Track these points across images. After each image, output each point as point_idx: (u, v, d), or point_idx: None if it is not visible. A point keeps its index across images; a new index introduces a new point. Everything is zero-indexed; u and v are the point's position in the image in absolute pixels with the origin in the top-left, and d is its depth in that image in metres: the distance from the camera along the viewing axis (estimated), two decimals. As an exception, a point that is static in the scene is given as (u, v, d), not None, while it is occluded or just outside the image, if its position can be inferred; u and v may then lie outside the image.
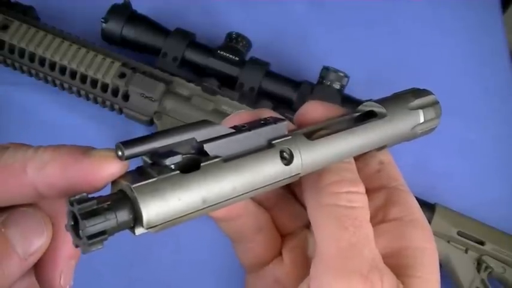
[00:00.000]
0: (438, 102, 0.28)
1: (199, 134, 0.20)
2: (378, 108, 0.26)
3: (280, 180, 0.21)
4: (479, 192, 0.62)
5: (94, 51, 0.57)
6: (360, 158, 0.26)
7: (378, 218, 0.25)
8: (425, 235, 0.25)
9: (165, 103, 0.56)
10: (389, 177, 0.26)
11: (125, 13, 0.58)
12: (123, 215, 0.18)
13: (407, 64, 0.68)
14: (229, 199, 0.20)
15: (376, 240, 0.23)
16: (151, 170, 0.19)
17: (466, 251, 0.54)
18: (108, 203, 0.18)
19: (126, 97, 0.57)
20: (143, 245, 0.55)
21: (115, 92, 0.56)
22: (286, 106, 0.56)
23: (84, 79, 0.57)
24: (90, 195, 0.18)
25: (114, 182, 0.19)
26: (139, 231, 0.18)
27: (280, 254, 0.27)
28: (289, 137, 0.22)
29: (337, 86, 0.55)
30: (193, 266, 0.56)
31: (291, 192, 0.28)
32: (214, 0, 0.68)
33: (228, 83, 0.57)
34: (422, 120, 0.26)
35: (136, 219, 0.18)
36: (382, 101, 0.26)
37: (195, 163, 0.19)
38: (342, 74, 0.55)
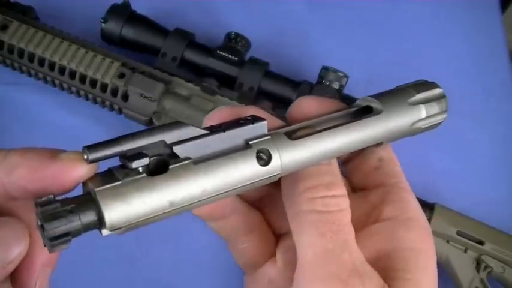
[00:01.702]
0: (444, 96, 0.27)
1: (170, 136, 0.19)
2: (374, 104, 0.25)
3: (256, 181, 0.21)
4: (478, 192, 0.62)
5: (93, 51, 0.57)
6: (359, 155, 0.26)
7: (372, 217, 0.25)
8: (421, 235, 0.24)
9: (164, 103, 0.56)
10: (388, 175, 0.26)
11: (124, 13, 0.58)
12: (88, 217, 0.18)
13: (407, 64, 0.68)
14: (199, 201, 0.19)
15: (368, 240, 0.23)
16: (118, 173, 0.19)
17: (465, 251, 0.54)
18: (73, 205, 0.18)
19: (125, 97, 0.57)
20: (143, 245, 0.55)
21: (114, 92, 0.57)
22: (286, 106, 0.56)
23: (84, 79, 0.57)
24: (58, 197, 0.18)
25: (84, 184, 0.19)
26: (104, 232, 0.18)
27: (274, 254, 0.27)
28: (269, 137, 0.21)
29: (336, 86, 0.55)
30: (193, 266, 0.56)
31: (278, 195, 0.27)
32: (213, 0, 0.68)
33: (227, 83, 0.57)
34: (424, 115, 0.26)
35: (101, 221, 0.18)
36: (380, 96, 0.26)
37: (163, 166, 0.19)
38: (341, 74, 0.55)
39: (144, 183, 0.18)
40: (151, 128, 0.20)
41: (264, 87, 0.57)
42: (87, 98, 0.58)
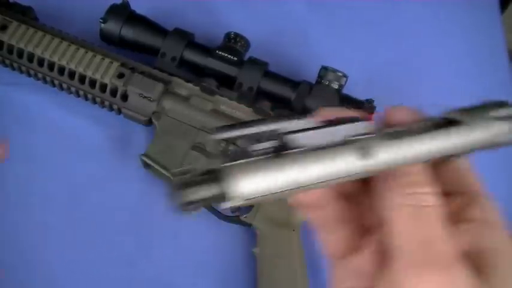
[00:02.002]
0: None
1: (286, 126, 0.23)
2: (459, 117, 0.27)
3: (358, 174, 0.24)
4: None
5: (93, 51, 0.57)
6: (441, 163, 0.28)
7: (458, 218, 0.26)
8: (506, 238, 0.26)
9: (163, 103, 0.56)
10: (471, 183, 0.28)
11: (124, 13, 0.58)
12: (215, 189, 0.21)
13: (407, 64, 0.68)
14: (309, 185, 0.22)
15: (457, 238, 0.24)
16: (242, 154, 0.22)
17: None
18: (205, 177, 0.21)
19: (124, 97, 0.57)
20: (143, 245, 0.55)
21: (114, 92, 0.57)
22: (285, 106, 0.56)
23: (83, 79, 0.57)
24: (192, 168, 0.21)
25: (214, 159, 0.23)
26: (227, 204, 0.21)
27: (360, 246, 0.28)
28: (373, 135, 0.24)
29: (335, 85, 0.55)
30: (193, 266, 0.56)
31: (369, 190, 0.29)
32: (212, 0, 0.68)
33: (226, 83, 0.57)
34: (506, 130, 0.27)
35: (226, 193, 0.21)
36: (465, 110, 0.28)
37: (280, 150, 0.22)
38: (340, 74, 0.55)
39: (269, 162, 0.22)
40: (269, 118, 0.23)
41: (264, 87, 0.57)
42: (86, 98, 0.58)
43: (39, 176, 0.57)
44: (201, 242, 0.57)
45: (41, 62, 0.57)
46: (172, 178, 0.21)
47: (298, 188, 0.22)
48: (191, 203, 0.21)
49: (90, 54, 0.57)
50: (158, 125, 0.56)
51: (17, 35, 0.57)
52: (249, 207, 0.55)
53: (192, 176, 0.21)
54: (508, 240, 0.26)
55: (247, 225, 0.55)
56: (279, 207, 0.55)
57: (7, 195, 0.56)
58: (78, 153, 0.58)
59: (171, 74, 0.57)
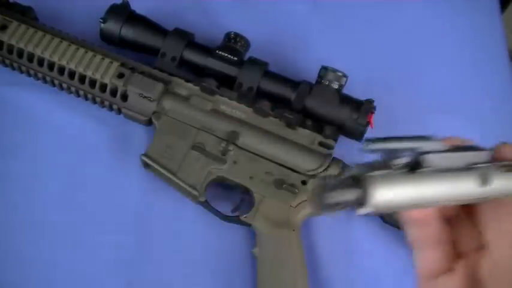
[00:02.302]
0: None
1: (422, 145, 0.25)
2: None
3: (474, 198, 0.26)
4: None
5: (93, 51, 0.57)
6: None
7: None
8: None
9: (163, 103, 0.56)
10: None
11: (124, 13, 0.58)
12: (356, 194, 0.23)
13: (407, 63, 0.68)
14: (431, 202, 0.25)
15: None
16: (383, 165, 0.24)
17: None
18: (348, 183, 0.23)
19: (124, 97, 0.57)
20: (143, 244, 0.55)
21: (113, 92, 0.57)
22: (285, 106, 0.56)
23: (83, 79, 0.57)
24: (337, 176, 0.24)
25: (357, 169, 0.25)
26: (363, 211, 0.23)
27: (451, 269, 0.30)
28: (490, 164, 0.26)
29: (335, 85, 0.55)
30: (193, 266, 0.56)
31: (471, 215, 0.31)
32: (212, 0, 0.68)
33: (226, 83, 0.57)
34: None
35: (364, 200, 0.23)
36: None
37: (414, 167, 0.24)
38: (340, 74, 0.55)
39: (405, 177, 0.24)
40: (412, 136, 0.26)
41: (264, 87, 0.57)
42: (86, 98, 0.58)
43: (39, 175, 0.57)
44: (201, 242, 0.56)
45: (40, 62, 0.57)
46: (318, 180, 0.24)
47: (425, 203, 0.25)
48: (334, 204, 0.23)
49: (90, 54, 0.57)
50: (158, 125, 0.56)
51: (17, 35, 0.57)
52: (249, 207, 0.55)
53: (338, 180, 0.23)
54: None
55: (247, 225, 0.55)
56: (278, 207, 0.55)
57: (6, 195, 0.56)
58: (78, 153, 0.58)
59: (171, 74, 0.57)
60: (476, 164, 0.26)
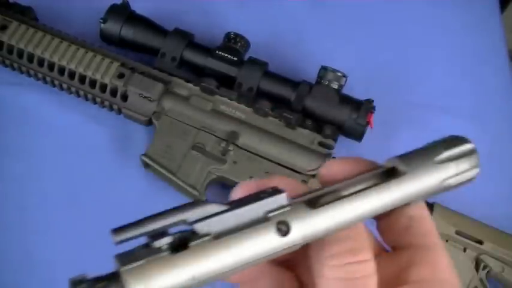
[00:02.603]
0: (474, 151, 0.26)
1: (192, 214, 0.21)
2: (399, 165, 0.25)
3: (276, 252, 0.22)
4: (478, 192, 0.61)
5: (93, 51, 0.57)
6: (390, 214, 0.26)
7: (401, 279, 0.24)
8: None
9: (163, 103, 0.56)
10: (418, 234, 0.26)
11: (124, 13, 0.58)
12: None
13: (406, 64, 0.68)
14: (220, 274, 0.21)
15: None
16: (143, 252, 0.21)
17: (464, 250, 0.54)
18: (102, 284, 0.20)
19: (124, 97, 0.57)
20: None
21: (114, 92, 0.57)
22: (285, 106, 0.56)
23: (83, 79, 0.57)
24: (90, 276, 0.20)
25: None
26: None
27: None
28: (288, 207, 0.22)
29: (335, 85, 0.55)
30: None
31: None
32: (212, 1, 0.68)
33: (226, 83, 0.57)
34: (452, 173, 0.25)
35: None
36: (406, 156, 0.25)
37: (184, 243, 0.21)
38: (340, 74, 0.55)
39: (166, 261, 0.20)
40: (173, 208, 0.21)
41: (263, 87, 0.57)
42: (86, 98, 0.58)
43: (39, 175, 0.57)
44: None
45: (41, 62, 0.57)
46: (70, 286, 0.21)
47: (217, 275, 0.21)
48: None
49: (90, 54, 0.57)
50: (158, 125, 0.56)
51: (17, 35, 0.57)
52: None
53: (88, 285, 0.20)
54: None
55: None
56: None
57: (7, 195, 0.56)
58: (78, 153, 0.58)
59: (171, 74, 0.57)
60: (274, 210, 0.22)
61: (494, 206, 0.60)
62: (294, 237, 0.22)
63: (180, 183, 0.55)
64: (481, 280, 0.54)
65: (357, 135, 0.56)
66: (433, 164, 0.25)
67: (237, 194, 0.24)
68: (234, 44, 0.58)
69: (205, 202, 0.21)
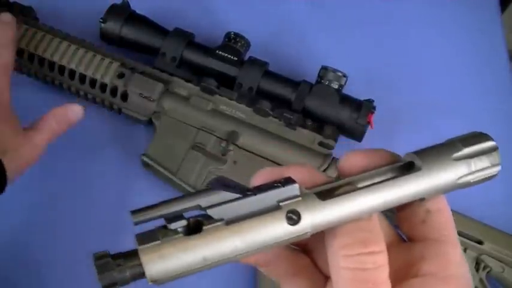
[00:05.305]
0: (496, 148, 0.27)
1: (206, 200, 0.22)
2: (415, 160, 0.25)
3: (286, 239, 0.23)
4: (477, 192, 0.61)
5: (93, 51, 0.57)
6: (408, 206, 0.26)
7: (413, 271, 0.25)
8: None
9: (163, 103, 0.56)
10: (434, 228, 0.26)
11: (124, 13, 0.58)
12: (133, 270, 0.22)
13: (407, 64, 0.68)
14: (231, 257, 0.22)
15: None
16: (159, 233, 0.22)
17: (464, 250, 0.54)
18: (121, 260, 0.22)
19: (124, 97, 0.57)
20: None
21: (114, 92, 0.57)
22: (285, 106, 0.56)
23: (83, 79, 0.57)
24: (112, 252, 0.22)
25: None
26: (150, 283, 0.22)
27: None
28: (299, 198, 0.23)
29: (335, 85, 0.55)
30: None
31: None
32: (213, 0, 0.68)
33: (226, 82, 0.57)
34: (470, 170, 0.25)
35: (143, 274, 0.22)
36: (424, 151, 0.26)
37: (198, 226, 0.22)
38: (340, 74, 0.55)
39: (180, 242, 0.22)
40: (189, 193, 0.23)
41: (264, 87, 0.57)
42: (86, 98, 0.58)
43: (38, 176, 0.57)
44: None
45: (41, 62, 0.57)
46: (93, 261, 0.22)
47: (227, 259, 0.22)
48: (112, 284, 0.22)
49: (90, 54, 0.57)
50: (158, 125, 0.56)
51: (17, 35, 0.57)
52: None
53: (108, 261, 0.22)
54: None
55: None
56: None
57: (6, 195, 0.56)
58: (78, 153, 0.58)
59: (171, 74, 0.57)
60: (285, 200, 0.23)
61: (494, 206, 0.60)
62: (304, 226, 0.23)
63: (180, 183, 0.55)
64: (481, 280, 0.54)
65: (357, 135, 0.56)
66: (450, 160, 0.25)
67: (255, 181, 0.25)
68: (234, 43, 0.58)
69: (221, 189, 0.23)
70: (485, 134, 0.27)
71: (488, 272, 0.54)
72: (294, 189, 0.23)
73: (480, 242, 0.54)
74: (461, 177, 0.25)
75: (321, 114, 0.56)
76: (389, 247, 0.23)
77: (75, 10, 0.65)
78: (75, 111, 0.51)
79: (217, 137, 0.56)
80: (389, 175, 0.25)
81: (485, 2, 0.75)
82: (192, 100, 0.57)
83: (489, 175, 0.26)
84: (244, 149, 0.56)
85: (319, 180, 0.25)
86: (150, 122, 0.57)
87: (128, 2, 0.59)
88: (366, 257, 0.23)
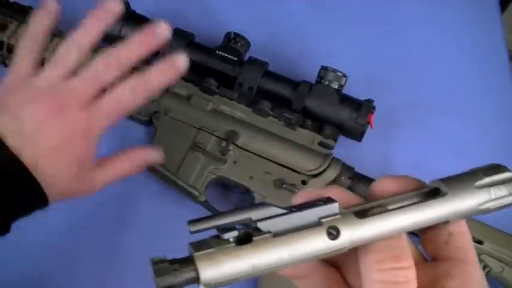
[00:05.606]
0: None
1: (257, 214, 0.25)
2: (441, 186, 0.28)
3: (326, 252, 0.25)
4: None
5: (93, 51, 0.57)
6: (432, 228, 0.28)
7: (437, 287, 0.27)
8: None
9: (163, 103, 0.56)
10: (457, 249, 0.28)
11: (124, 13, 0.58)
12: (188, 275, 0.24)
13: (406, 64, 0.68)
14: (277, 266, 0.25)
15: None
16: (213, 242, 0.24)
17: (464, 250, 0.54)
18: (178, 265, 0.24)
19: (124, 97, 0.57)
20: (144, 245, 0.56)
21: (114, 92, 0.56)
22: (285, 106, 0.56)
23: (83, 79, 0.57)
24: (168, 258, 0.24)
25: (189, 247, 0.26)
26: (201, 286, 0.24)
27: None
28: (339, 216, 0.26)
29: (335, 85, 0.55)
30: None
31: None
32: (213, 1, 0.68)
33: (226, 82, 0.57)
34: (490, 197, 0.28)
35: (198, 278, 0.24)
36: (449, 179, 0.28)
37: (248, 237, 0.24)
38: (340, 74, 0.55)
39: (232, 250, 0.24)
40: (241, 207, 0.25)
41: (264, 87, 0.57)
42: (86, 98, 0.58)
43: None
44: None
45: (41, 62, 0.57)
46: (151, 264, 0.24)
47: (272, 268, 0.24)
48: (167, 287, 0.23)
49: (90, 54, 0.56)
50: (158, 125, 0.56)
51: (17, 35, 0.57)
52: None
53: (165, 265, 0.24)
54: None
55: (247, 225, 0.55)
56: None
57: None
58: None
59: (171, 74, 0.57)
60: (326, 217, 0.25)
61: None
62: (343, 241, 0.25)
63: (180, 183, 0.55)
64: (481, 280, 0.54)
65: (357, 135, 0.56)
66: (473, 188, 0.28)
67: (297, 200, 0.27)
68: (234, 43, 0.58)
69: (269, 205, 0.25)
70: (503, 166, 0.30)
71: (488, 272, 0.54)
72: (334, 207, 0.26)
73: (480, 242, 0.54)
74: (482, 203, 0.28)
75: (320, 114, 0.56)
76: (416, 265, 0.26)
77: (75, 10, 0.64)
78: (152, 155, 0.50)
79: (217, 137, 0.56)
80: (416, 199, 0.28)
81: (485, 2, 0.75)
82: (192, 100, 0.57)
83: (507, 203, 0.29)
84: (244, 149, 0.56)
85: (354, 202, 0.27)
86: (150, 122, 0.57)
87: (128, 2, 0.59)
88: (397, 271, 0.25)
